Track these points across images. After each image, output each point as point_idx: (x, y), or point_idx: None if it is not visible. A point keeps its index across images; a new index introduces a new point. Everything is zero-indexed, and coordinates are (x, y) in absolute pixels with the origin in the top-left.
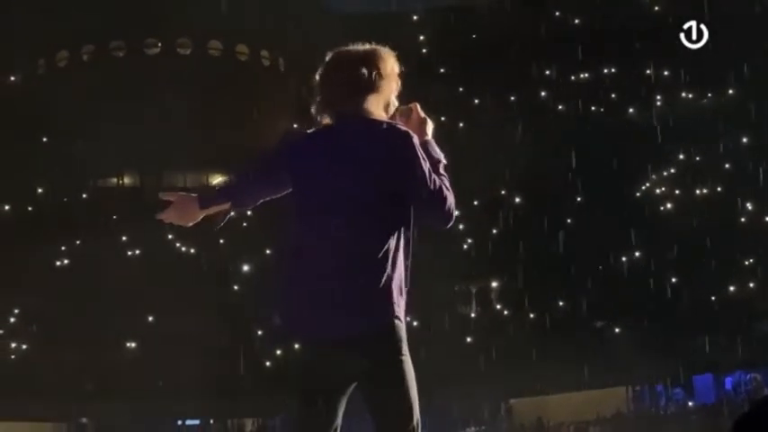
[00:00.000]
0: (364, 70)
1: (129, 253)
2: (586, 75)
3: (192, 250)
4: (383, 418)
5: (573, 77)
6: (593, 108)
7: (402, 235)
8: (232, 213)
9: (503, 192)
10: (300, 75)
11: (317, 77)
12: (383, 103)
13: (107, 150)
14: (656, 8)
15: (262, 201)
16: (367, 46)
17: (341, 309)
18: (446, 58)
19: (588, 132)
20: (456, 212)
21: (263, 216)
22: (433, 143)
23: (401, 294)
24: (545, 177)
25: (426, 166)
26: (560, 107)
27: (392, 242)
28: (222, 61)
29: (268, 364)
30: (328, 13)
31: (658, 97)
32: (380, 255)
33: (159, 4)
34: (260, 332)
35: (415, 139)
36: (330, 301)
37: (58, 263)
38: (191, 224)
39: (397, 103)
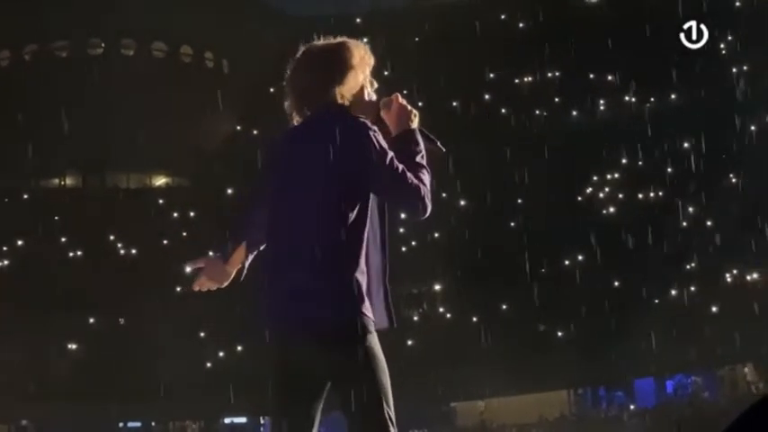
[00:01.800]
0: (332, 62)
1: (71, 254)
2: (530, 78)
3: (134, 251)
4: (354, 418)
5: (516, 81)
6: (536, 111)
7: (370, 231)
8: (250, 258)
9: (444, 194)
10: (244, 76)
11: (288, 73)
12: (353, 94)
13: (49, 151)
14: (600, 12)
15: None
16: (336, 39)
17: (304, 306)
18: (389, 61)
19: (531, 136)
20: (429, 203)
21: (207, 216)
22: (416, 133)
23: (372, 291)
24: (488, 181)
25: (389, 155)
26: (503, 110)
27: (357, 238)
28: (166, 62)
29: (210, 365)
30: (274, 15)
31: (601, 101)
32: (344, 251)
33: (103, 5)
34: (202, 334)
35: (372, 130)
36: (294, 298)
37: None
38: (225, 284)
39: (374, 96)
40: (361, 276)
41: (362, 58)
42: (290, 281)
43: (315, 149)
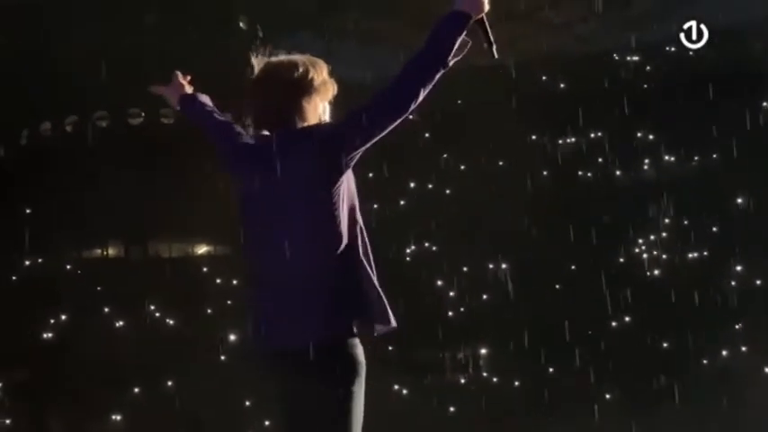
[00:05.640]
0: (302, 74)
1: (115, 324)
2: (573, 139)
3: (178, 320)
4: None
5: (560, 141)
6: (579, 172)
7: (349, 244)
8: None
9: (489, 261)
10: None
11: (251, 86)
12: (321, 108)
13: (91, 221)
14: (644, 73)
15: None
16: (299, 54)
17: (280, 322)
18: (428, 126)
19: (575, 197)
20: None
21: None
22: (464, 20)
23: (358, 305)
24: (532, 243)
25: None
26: (545, 172)
27: (335, 252)
28: None
29: None
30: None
31: (646, 161)
32: (321, 266)
33: (142, 75)
34: (247, 402)
35: (333, 126)
36: (273, 314)
37: (44, 335)
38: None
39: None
40: (345, 292)
41: (325, 80)
42: (271, 299)
43: (289, 164)
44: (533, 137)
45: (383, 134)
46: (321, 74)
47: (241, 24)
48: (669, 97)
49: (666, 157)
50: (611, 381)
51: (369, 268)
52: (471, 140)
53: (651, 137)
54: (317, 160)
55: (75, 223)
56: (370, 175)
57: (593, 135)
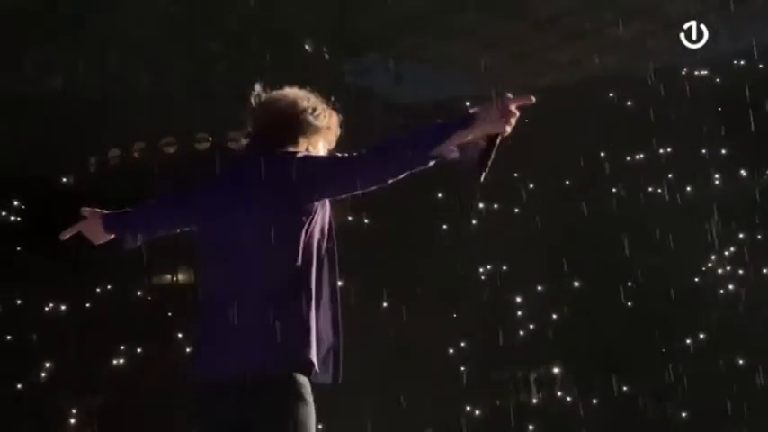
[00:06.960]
0: (311, 113)
1: (186, 350)
2: (642, 155)
3: None
4: None
5: (628, 158)
6: (649, 189)
7: (308, 273)
8: (139, 240)
9: (563, 277)
10: None
11: (258, 103)
12: (315, 149)
13: (160, 247)
14: (713, 87)
15: (158, 234)
16: (315, 95)
17: (230, 349)
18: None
19: (646, 213)
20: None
21: None
22: (472, 126)
23: (310, 338)
24: (604, 261)
25: (333, 164)
26: (614, 189)
27: (292, 280)
28: None
29: None
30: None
31: (716, 176)
32: (279, 295)
33: (208, 101)
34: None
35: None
36: (223, 342)
37: (116, 362)
38: (100, 242)
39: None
40: (309, 327)
41: (335, 123)
42: (224, 325)
43: (256, 189)
44: (602, 153)
45: (351, 195)
46: (329, 120)
47: (306, 47)
48: (738, 111)
49: (738, 172)
50: (685, 399)
51: (328, 309)
52: (539, 159)
53: (723, 151)
54: (286, 185)
55: (144, 249)
56: (440, 195)
57: (661, 151)
